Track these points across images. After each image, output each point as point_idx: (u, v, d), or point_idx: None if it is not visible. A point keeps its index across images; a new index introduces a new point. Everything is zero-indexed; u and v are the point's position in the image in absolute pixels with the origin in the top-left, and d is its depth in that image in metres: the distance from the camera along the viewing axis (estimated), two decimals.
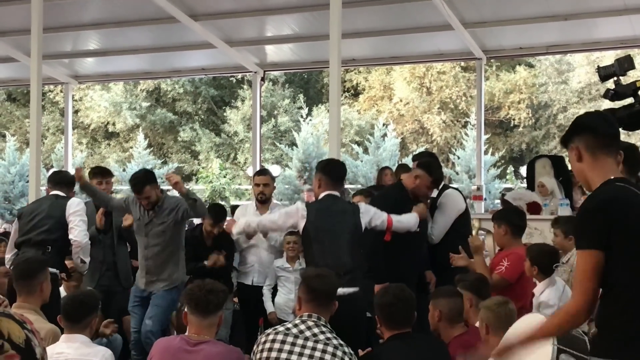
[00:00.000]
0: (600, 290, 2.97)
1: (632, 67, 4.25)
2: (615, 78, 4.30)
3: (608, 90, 4.33)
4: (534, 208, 9.70)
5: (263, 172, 7.47)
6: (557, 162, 9.92)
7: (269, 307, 6.91)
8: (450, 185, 7.41)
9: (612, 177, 3.04)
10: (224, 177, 26.20)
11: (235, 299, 7.46)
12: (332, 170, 5.67)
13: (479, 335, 4.27)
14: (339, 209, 5.54)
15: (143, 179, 6.39)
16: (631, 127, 4.41)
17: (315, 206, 5.52)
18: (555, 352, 3.16)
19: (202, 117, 30.87)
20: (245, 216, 6.65)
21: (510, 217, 5.66)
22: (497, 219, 5.66)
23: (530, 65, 28.77)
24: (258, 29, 11.67)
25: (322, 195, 5.56)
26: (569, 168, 8.45)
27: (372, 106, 29.53)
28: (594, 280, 2.91)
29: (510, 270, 5.43)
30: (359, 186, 19.02)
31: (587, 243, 2.92)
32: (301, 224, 5.48)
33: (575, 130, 3.17)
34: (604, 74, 4.35)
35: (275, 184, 7.47)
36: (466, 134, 23.85)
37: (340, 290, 4.52)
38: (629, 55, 4.33)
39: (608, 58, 15.00)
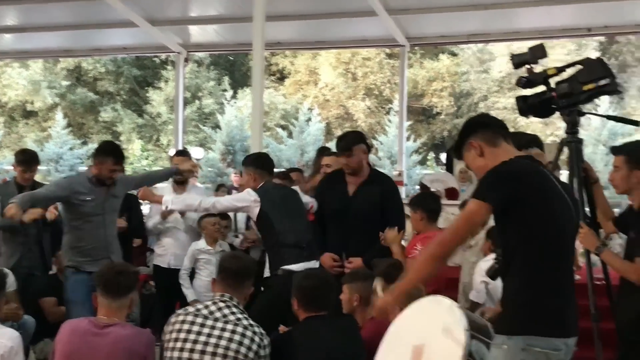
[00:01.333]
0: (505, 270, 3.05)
1: (544, 55, 4.33)
2: (528, 66, 4.38)
3: (520, 77, 4.40)
4: (452, 193, 9.90)
5: (182, 152, 7.37)
6: None
7: (189, 295, 6.74)
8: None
9: (518, 156, 3.15)
10: (146, 158, 25.82)
11: (152, 282, 7.36)
12: (264, 163, 5.79)
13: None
14: (286, 192, 5.79)
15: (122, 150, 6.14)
16: (542, 114, 4.52)
17: (263, 191, 5.59)
18: (468, 338, 3.21)
19: (124, 97, 30.32)
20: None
21: (426, 202, 5.71)
22: (413, 204, 5.71)
23: (453, 54, 29.19)
24: (182, 8, 11.49)
25: (262, 184, 5.67)
26: None
27: (297, 90, 29.52)
28: (469, 229, 3.05)
29: None
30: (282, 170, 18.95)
31: (484, 195, 3.01)
32: (255, 210, 5.53)
33: (470, 131, 3.31)
34: (517, 61, 4.42)
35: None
36: (389, 121, 24.07)
37: (304, 265, 5.09)
38: (542, 44, 4.41)
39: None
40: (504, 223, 3.09)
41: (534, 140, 4.82)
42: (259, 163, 5.77)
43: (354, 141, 5.82)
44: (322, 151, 7.32)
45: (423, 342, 3.19)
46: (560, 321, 3.02)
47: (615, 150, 4.43)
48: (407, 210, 5.86)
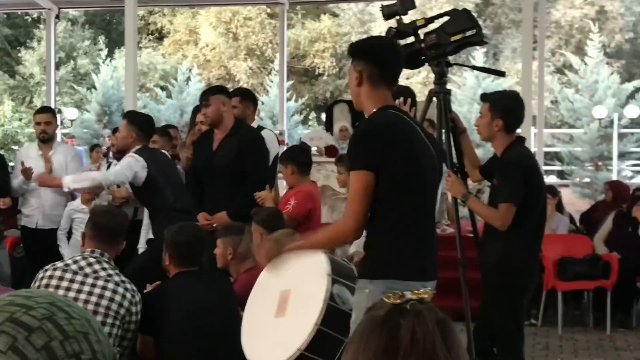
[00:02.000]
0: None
1: (414, 6, 4.39)
2: (397, 17, 4.42)
3: (390, 28, 4.44)
4: (332, 151, 10.02)
5: (44, 109, 7.13)
6: (354, 108, 10.18)
7: (66, 254, 6.55)
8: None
9: (385, 105, 3.17)
10: (19, 120, 24.82)
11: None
12: (149, 128, 5.76)
13: None
14: (165, 157, 5.85)
15: None
16: (411, 65, 4.60)
17: (147, 155, 5.53)
18: (330, 283, 3.27)
19: None
20: (28, 158, 6.51)
21: (296, 156, 5.72)
22: (282, 159, 5.72)
23: (335, 15, 29.28)
24: None
25: (137, 147, 5.58)
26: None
27: (177, 50, 28.96)
28: (365, 203, 3.03)
29: (297, 208, 5.53)
30: None
31: (360, 163, 3.03)
32: (142, 174, 5.45)
33: (362, 54, 3.24)
34: (387, 12, 4.46)
35: (58, 123, 7.22)
36: (271, 81, 23.99)
37: None
38: None
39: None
40: None
41: (404, 92, 4.89)
42: (145, 126, 5.70)
43: (212, 91, 5.83)
44: (197, 109, 7.23)
45: (289, 288, 3.24)
46: (419, 266, 3.10)
47: (482, 97, 4.59)
48: None
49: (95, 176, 5.59)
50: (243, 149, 5.57)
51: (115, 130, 7.37)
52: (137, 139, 5.59)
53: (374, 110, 3.15)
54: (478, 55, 20.91)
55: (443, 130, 4.61)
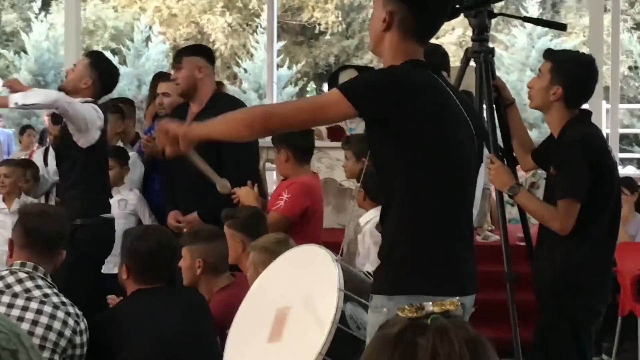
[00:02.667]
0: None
1: None
2: None
3: None
4: (337, 133, 9.93)
5: None
6: None
7: None
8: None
9: (417, 59, 3.16)
10: None
11: None
12: (106, 74, 5.82)
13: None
14: None
15: None
16: None
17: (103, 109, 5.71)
18: (341, 299, 3.26)
19: None
20: None
21: (292, 139, 5.69)
22: (275, 141, 5.70)
23: None
24: None
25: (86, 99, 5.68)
26: None
27: (133, 3, 28.98)
28: (315, 120, 3.16)
29: (291, 205, 5.52)
30: None
31: (354, 95, 2.98)
32: (96, 132, 5.57)
33: None
34: None
35: None
36: (257, 42, 24.04)
37: None
38: None
39: None
40: (384, 143, 3.09)
41: (434, 51, 4.90)
42: (107, 78, 5.82)
43: (188, 51, 5.91)
44: (159, 76, 7.27)
45: (289, 305, 3.24)
46: (454, 275, 3.07)
47: (546, 54, 4.57)
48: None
49: (50, 93, 5.64)
50: None
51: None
52: (90, 88, 5.68)
53: (399, 64, 3.15)
54: (531, 7, 20.92)
55: (484, 103, 4.63)
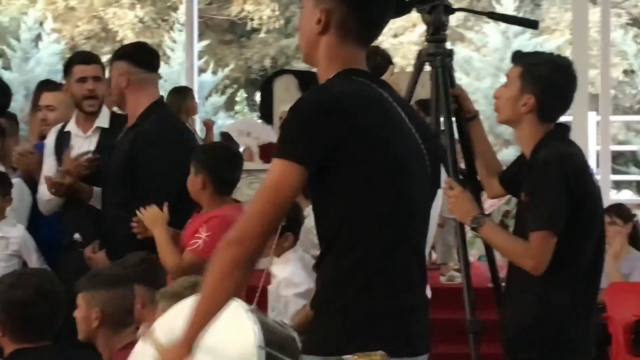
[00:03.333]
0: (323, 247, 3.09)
1: None
2: None
3: None
4: (271, 152, 9.99)
5: None
6: (307, 82, 10.23)
7: None
8: None
9: (353, 68, 3.16)
10: None
11: None
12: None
13: None
14: None
15: None
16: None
17: None
18: (263, 358, 3.26)
19: None
20: None
21: (215, 165, 5.61)
22: (194, 163, 5.64)
23: None
24: None
25: None
26: None
27: None
28: (283, 204, 3.00)
29: (211, 245, 5.47)
30: None
31: (289, 150, 2.96)
32: None
33: None
34: None
35: None
36: (174, 41, 24.08)
37: None
38: None
39: None
40: (317, 180, 3.06)
41: (373, 53, 4.92)
42: None
43: (114, 56, 5.93)
44: (43, 85, 7.25)
45: None
46: (401, 331, 3.07)
47: (514, 57, 4.60)
48: None
49: None
50: (135, 147, 5.66)
51: None
52: None
53: (334, 73, 3.15)
54: (507, 1, 21.10)
55: (441, 116, 4.66)
